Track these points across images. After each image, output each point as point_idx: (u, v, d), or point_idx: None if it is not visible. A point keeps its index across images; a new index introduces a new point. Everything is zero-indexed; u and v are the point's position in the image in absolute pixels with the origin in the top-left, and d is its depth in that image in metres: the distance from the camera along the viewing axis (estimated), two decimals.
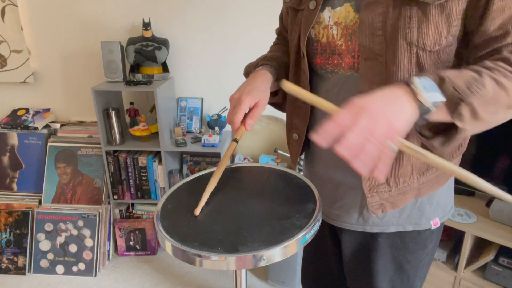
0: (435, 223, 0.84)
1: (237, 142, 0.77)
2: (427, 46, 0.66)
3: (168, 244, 0.59)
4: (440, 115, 0.60)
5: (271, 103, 0.94)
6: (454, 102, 0.58)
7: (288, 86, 0.70)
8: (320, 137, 0.54)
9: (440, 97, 0.58)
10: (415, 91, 0.57)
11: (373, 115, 0.54)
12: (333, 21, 0.75)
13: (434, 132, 0.67)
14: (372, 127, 0.53)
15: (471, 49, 0.67)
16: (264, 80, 0.81)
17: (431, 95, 0.57)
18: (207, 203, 0.69)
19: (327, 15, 0.75)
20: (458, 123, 0.59)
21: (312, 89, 0.84)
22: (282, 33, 1.00)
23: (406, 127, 0.57)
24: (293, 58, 0.84)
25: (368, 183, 0.77)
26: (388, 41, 0.67)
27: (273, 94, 0.91)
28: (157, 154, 2.12)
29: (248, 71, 0.93)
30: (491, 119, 0.61)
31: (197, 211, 0.66)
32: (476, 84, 0.57)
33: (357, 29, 0.71)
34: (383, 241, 0.85)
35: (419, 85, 0.57)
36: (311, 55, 0.80)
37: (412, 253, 0.85)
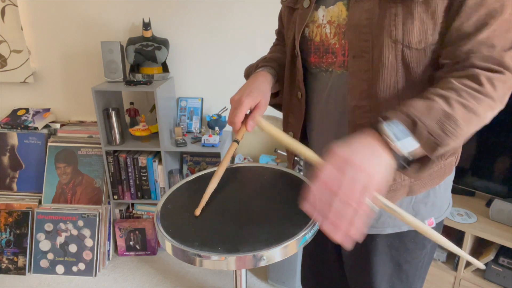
0: (430, 223, 0.84)
1: (238, 142, 0.77)
2: (412, 43, 0.66)
3: (168, 244, 0.59)
4: (418, 153, 0.60)
5: (272, 104, 0.95)
6: (431, 146, 0.58)
7: (263, 126, 0.72)
8: (310, 205, 0.54)
9: (415, 144, 0.57)
10: (387, 141, 0.56)
11: (355, 170, 0.53)
12: (327, 20, 0.75)
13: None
14: (354, 186, 0.52)
15: (445, 45, 0.66)
16: (265, 81, 0.81)
17: (404, 143, 0.56)
18: (207, 203, 0.69)
19: (321, 14, 0.76)
20: (437, 159, 0.61)
21: (307, 88, 0.84)
22: (281, 32, 1.00)
23: (386, 180, 0.56)
24: (289, 57, 0.84)
25: None
26: (374, 39, 0.68)
27: (274, 95, 0.91)
28: (157, 154, 2.12)
29: (249, 72, 0.93)
30: (465, 137, 0.62)
31: (198, 212, 0.66)
32: (450, 124, 0.57)
33: (346, 26, 0.72)
34: (381, 241, 0.85)
35: (390, 133, 0.56)
36: (305, 54, 0.81)
37: (410, 253, 0.85)
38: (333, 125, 0.81)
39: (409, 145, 0.57)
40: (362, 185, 0.52)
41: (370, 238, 0.85)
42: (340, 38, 0.74)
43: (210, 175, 0.81)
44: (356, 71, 0.71)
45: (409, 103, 0.60)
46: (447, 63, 0.65)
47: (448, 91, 0.60)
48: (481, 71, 0.60)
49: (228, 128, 2.23)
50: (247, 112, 0.77)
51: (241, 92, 0.76)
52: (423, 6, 0.63)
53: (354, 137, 0.58)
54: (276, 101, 0.93)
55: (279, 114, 2.21)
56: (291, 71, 0.85)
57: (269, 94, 0.80)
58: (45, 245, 2.08)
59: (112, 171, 2.08)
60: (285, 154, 2.07)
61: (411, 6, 0.63)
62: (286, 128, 0.92)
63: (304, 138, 0.93)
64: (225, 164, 0.76)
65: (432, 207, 0.83)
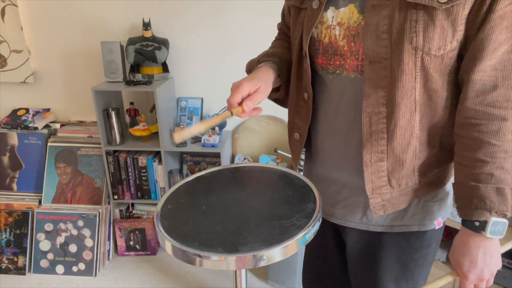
0: (438, 223, 0.84)
1: (232, 114, 0.75)
2: (432, 50, 0.66)
3: (168, 244, 0.59)
4: None
5: (273, 99, 0.94)
6: None
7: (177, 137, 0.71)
8: None
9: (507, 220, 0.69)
10: (496, 239, 0.70)
11: (483, 277, 0.72)
12: (336, 22, 0.74)
13: None
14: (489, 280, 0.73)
15: (467, 57, 0.68)
16: (266, 74, 0.81)
17: (505, 228, 0.69)
18: (207, 203, 0.69)
19: (331, 15, 0.75)
20: None
21: (314, 90, 0.83)
22: (283, 29, 0.99)
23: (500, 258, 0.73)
24: (295, 57, 0.83)
25: (371, 185, 0.77)
26: (394, 45, 0.67)
27: (275, 90, 0.90)
28: (157, 154, 2.12)
29: (250, 67, 0.93)
30: None
31: (177, 138, 0.66)
32: None
33: (361, 30, 0.71)
34: (388, 240, 0.85)
35: (496, 236, 0.69)
36: (312, 55, 0.80)
37: (417, 252, 0.85)
38: (343, 128, 0.80)
39: (506, 224, 0.69)
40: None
41: (377, 237, 0.85)
42: (349, 40, 0.73)
43: (210, 175, 0.80)
44: (373, 77, 0.71)
45: (480, 193, 0.68)
46: (473, 122, 0.69)
47: (493, 159, 0.67)
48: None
49: (228, 128, 2.23)
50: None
51: (242, 79, 0.77)
52: (444, 13, 0.63)
53: (465, 244, 0.72)
54: (276, 96, 0.93)
55: (279, 114, 2.21)
56: (297, 71, 0.84)
57: (270, 85, 0.80)
58: (45, 245, 2.08)
59: (112, 171, 2.08)
60: (285, 154, 2.07)
61: (433, 13, 0.63)
62: (292, 129, 0.91)
63: (310, 140, 0.93)
64: (213, 122, 0.74)
65: (439, 207, 0.84)
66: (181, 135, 0.67)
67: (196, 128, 0.70)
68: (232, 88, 0.76)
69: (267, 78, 0.80)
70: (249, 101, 0.75)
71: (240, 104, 0.75)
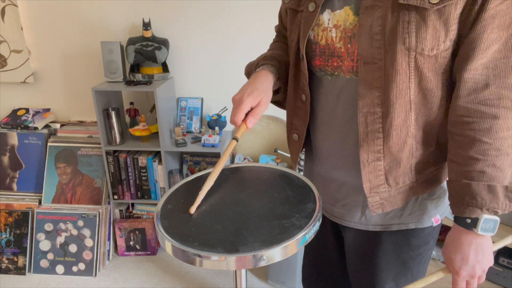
0: (436, 220, 0.85)
1: (237, 140, 0.77)
2: (425, 50, 0.66)
3: (168, 244, 0.59)
4: None
5: (273, 102, 0.95)
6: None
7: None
8: None
9: (497, 220, 0.70)
10: (488, 236, 0.71)
11: (481, 273, 0.73)
12: (333, 24, 0.75)
13: None
14: (481, 277, 0.74)
15: (459, 56, 0.68)
16: (266, 81, 0.81)
17: (496, 225, 0.70)
18: (207, 203, 0.69)
19: (327, 17, 0.75)
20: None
21: (312, 91, 0.84)
22: (281, 30, 1.00)
23: (491, 254, 0.73)
24: (293, 59, 0.84)
25: (368, 184, 0.78)
26: (387, 46, 0.68)
27: (274, 92, 0.91)
28: (157, 154, 2.12)
29: (249, 70, 0.93)
30: None
31: (193, 210, 0.66)
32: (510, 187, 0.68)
33: (357, 32, 0.71)
34: (387, 239, 0.85)
35: (487, 233, 0.70)
36: (310, 57, 0.80)
37: (415, 250, 0.86)
38: (341, 129, 0.81)
39: (497, 222, 0.70)
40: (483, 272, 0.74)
41: (375, 236, 0.86)
42: (346, 42, 0.74)
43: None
44: (368, 78, 0.71)
45: (472, 190, 0.68)
46: (467, 120, 0.68)
47: (486, 156, 0.67)
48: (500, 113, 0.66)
49: (228, 128, 2.23)
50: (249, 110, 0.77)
51: (242, 92, 0.76)
52: (436, 13, 0.63)
53: (457, 241, 0.73)
54: (276, 98, 0.93)
55: (279, 114, 2.21)
56: (295, 73, 0.85)
57: (271, 93, 0.80)
58: (45, 245, 2.08)
59: (112, 171, 2.08)
60: (285, 154, 2.07)
61: (425, 14, 0.63)
62: (290, 130, 0.92)
63: (309, 140, 0.93)
64: (222, 162, 0.75)
65: (437, 204, 0.84)
66: (195, 205, 0.68)
67: (207, 185, 0.71)
68: (234, 105, 0.76)
69: (267, 86, 0.80)
70: (252, 117, 0.75)
71: (243, 119, 0.75)
